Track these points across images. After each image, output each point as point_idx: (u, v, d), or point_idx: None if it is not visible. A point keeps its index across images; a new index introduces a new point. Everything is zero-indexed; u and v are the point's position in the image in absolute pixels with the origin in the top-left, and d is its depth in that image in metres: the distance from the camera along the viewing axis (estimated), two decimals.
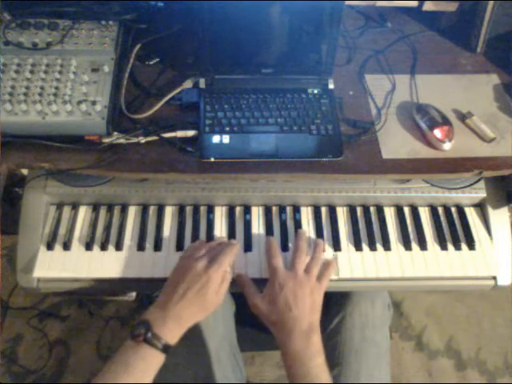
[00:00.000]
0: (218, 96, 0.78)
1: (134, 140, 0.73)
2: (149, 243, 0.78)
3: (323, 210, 0.82)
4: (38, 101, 0.70)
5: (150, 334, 0.61)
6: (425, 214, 0.83)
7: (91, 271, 0.75)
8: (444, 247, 0.79)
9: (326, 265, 0.74)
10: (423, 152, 0.75)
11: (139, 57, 0.84)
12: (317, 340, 0.66)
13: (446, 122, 0.76)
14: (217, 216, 0.81)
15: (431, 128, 0.75)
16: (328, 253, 0.78)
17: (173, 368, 0.77)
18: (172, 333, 0.64)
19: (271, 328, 0.69)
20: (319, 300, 0.70)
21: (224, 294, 0.70)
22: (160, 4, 0.88)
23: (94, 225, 0.79)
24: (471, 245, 0.79)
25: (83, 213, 0.81)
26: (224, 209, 0.82)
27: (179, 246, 0.78)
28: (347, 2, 0.91)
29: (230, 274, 0.71)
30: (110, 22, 0.81)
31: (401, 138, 0.77)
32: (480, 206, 0.84)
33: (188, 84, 0.80)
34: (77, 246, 0.77)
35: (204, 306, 0.67)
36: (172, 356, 0.79)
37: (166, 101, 0.78)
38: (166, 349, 0.62)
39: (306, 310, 0.67)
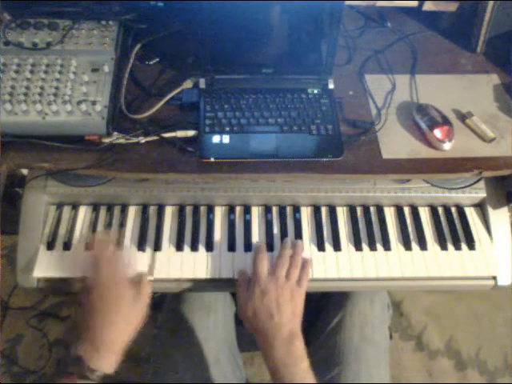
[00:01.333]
0: (217, 96, 0.78)
1: (134, 140, 0.73)
2: (149, 243, 0.78)
3: (323, 209, 0.82)
4: (37, 101, 0.70)
5: (84, 370, 0.60)
6: (425, 214, 0.83)
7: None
8: (444, 247, 0.79)
9: (303, 266, 0.74)
10: (423, 152, 0.75)
11: (139, 57, 0.84)
12: (299, 345, 0.66)
13: (445, 122, 0.76)
14: (217, 216, 0.81)
15: (431, 128, 0.75)
16: (328, 252, 0.78)
17: (172, 368, 0.77)
18: (107, 361, 0.62)
19: (254, 334, 0.69)
20: (300, 304, 0.70)
21: (145, 303, 0.69)
22: (160, 4, 0.88)
23: (94, 225, 0.79)
24: (471, 245, 0.79)
25: (83, 213, 0.81)
26: (224, 209, 0.82)
27: (179, 246, 0.77)
28: (347, 2, 0.91)
29: (145, 285, 0.70)
30: (110, 22, 0.81)
31: (401, 138, 0.77)
32: (480, 206, 0.84)
33: (188, 84, 0.80)
34: (77, 246, 0.77)
35: (126, 321, 0.66)
36: (171, 356, 0.79)
37: (166, 101, 0.77)
38: (104, 379, 0.61)
39: (288, 316, 0.67)
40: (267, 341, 0.66)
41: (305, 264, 0.74)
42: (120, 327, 0.65)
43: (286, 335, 0.66)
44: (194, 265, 0.76)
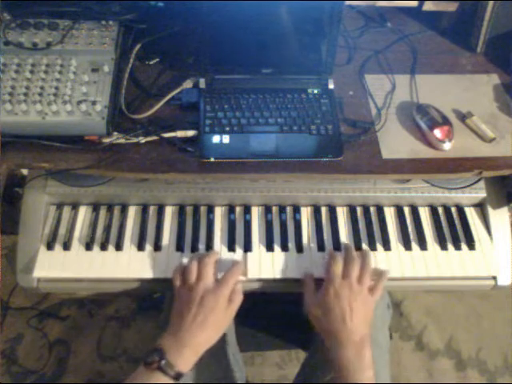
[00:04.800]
0: (218, 96, 0.78)
1: (134, 140, 0.73)
2: (149, 243, 0.78)
3: (323, 209, 0.82)
4: (37, 101, 0.70)
5: (163, 362, 0.62)
6: (425, 214, 0.83)
7: (91, 271, 0.75)
8: (444, 247, 0.79)
9: (379, 276, 0.73)
10: (423, 152, 0.75)
11: (139, 57, 0.84)
12: (368, 354, 0.66)
13: (446, 122, 0.76)
14: (217, 216, 0.81)
15: (431, 128, 0.75)
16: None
17: None
18: (186, 361, 0.64)
19: (322, 334, 0.69)
20: (371, 311, 0.70)
21: (234, 312, 0.70)
22: (160, 4, 0.88)
23: (94, 225, 0.79)
24: (471, 245, 0.79)
25: (83, 213, 0.81)
26: (224, 209, 0.82)
27: (179, 246, 0.77)
28: (347, 2, 0.91)
29: (239, 293, 0.71)
30: (110, 22, 0.81)
31: (401, 138, 0.77)
32: (480, 206, 0.84)
33: (188, 84, 0.80)
34: (77, 245, 0.77)
35: (216, 326, 0.68)
36: None
37: (166, 101, 0.78)
38: (177, 377, 0.63)
39: (360, 322, 0.67)
40: (337, 343, 0.66)
41: (383, 275, 0.74)
42: (208, 332, 0.67)
43: (357, 341, 0.66)
44: None
